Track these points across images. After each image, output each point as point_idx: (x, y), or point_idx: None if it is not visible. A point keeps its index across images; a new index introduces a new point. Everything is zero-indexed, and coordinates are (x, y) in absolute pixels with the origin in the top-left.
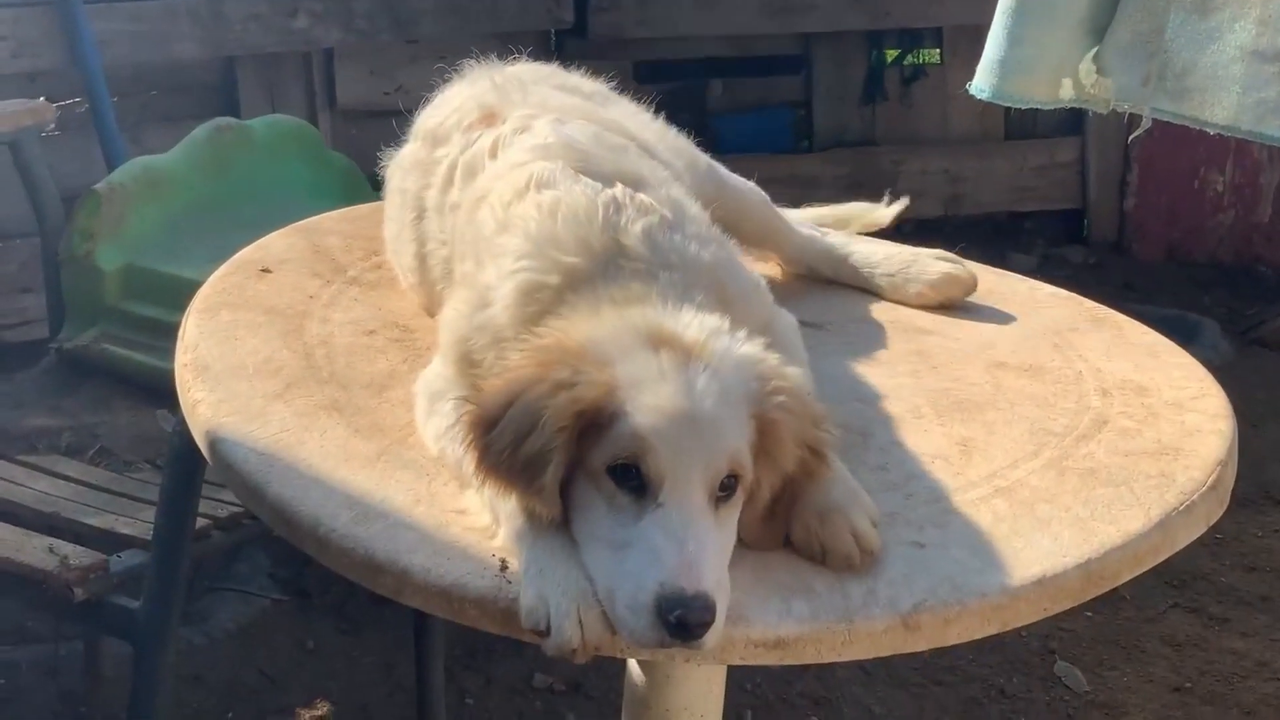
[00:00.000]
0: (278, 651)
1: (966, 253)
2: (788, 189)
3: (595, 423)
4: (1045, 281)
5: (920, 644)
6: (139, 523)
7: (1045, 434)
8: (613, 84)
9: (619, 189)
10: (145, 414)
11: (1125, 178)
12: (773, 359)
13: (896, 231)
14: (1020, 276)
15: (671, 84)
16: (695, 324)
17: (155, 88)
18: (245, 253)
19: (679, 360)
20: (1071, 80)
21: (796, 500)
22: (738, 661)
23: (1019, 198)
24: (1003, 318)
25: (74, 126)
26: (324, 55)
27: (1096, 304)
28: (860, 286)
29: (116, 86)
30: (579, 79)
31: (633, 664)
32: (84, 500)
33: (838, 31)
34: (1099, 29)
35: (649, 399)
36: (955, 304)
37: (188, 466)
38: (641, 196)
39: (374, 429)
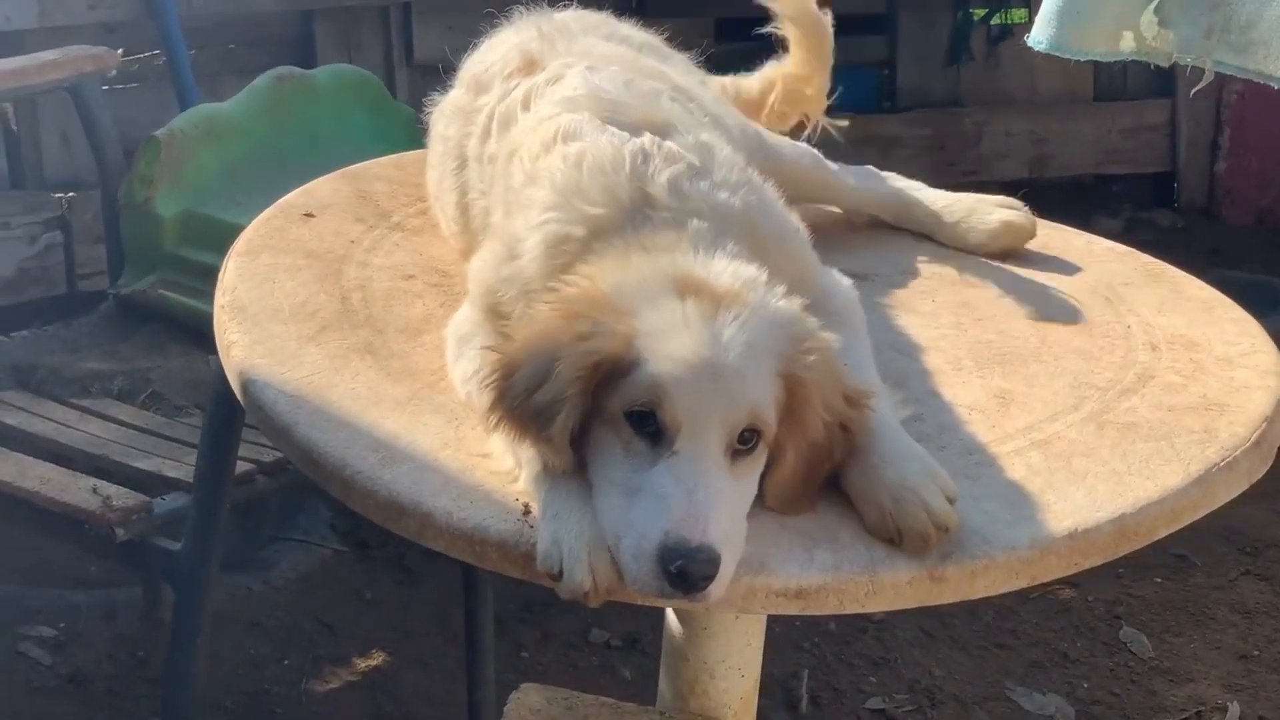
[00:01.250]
0: (336, 601)
1: (1052, 217)
2: (869, 150)
3: (615, 371)
4: (1132, 245)
5: (946, 596)
6: (185, 466)
7: (1088, 387)
8: (693, 45)
9: (646, 138)
10: (198, 359)
11: (1216, 141)
12: (810, 321)
13: (982, 191)
14: (1078, 231)
15: (753, 42)
16: (729, 272)
17: (233, 41)
18: (290, 197)
19: (706, 309)
20: (1133, 32)
21: (838, 469)
22: (759, 611)
23: (1106, 160)
24: (1058, 271)
25: (151, 78)
26: (401, 10)
27: (1154, 259)
28: (923, 233)
29: (194, 39)
30: (632, 29)
31: (671, 615)
32: (132, 443)
33: None
34: None
35: (670, 347)
36: (1016, 251)
37: (228, 409)
38: (669, 144)
39: (406, 372)
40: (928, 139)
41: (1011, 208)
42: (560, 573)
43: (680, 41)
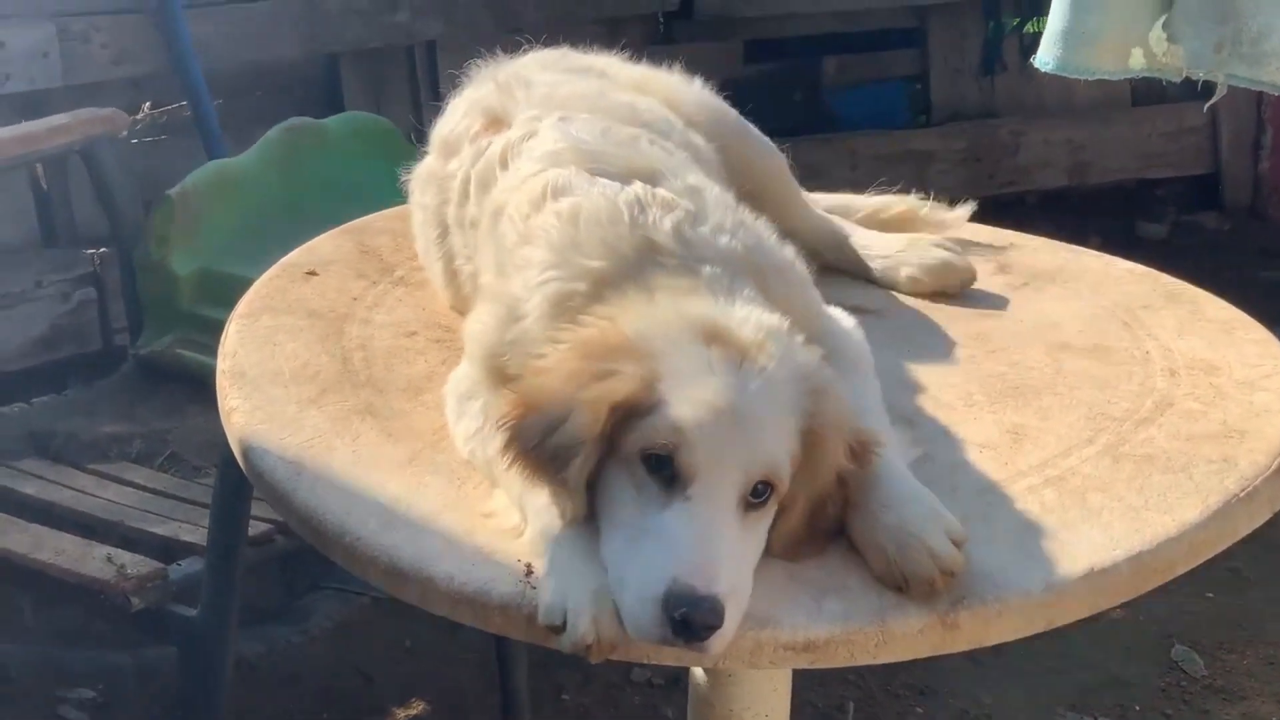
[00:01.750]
0: (375, 650)
1: (1093, 224)
2: (904, 165)
3: (634, 412)
4: (1177, 249)
5: (960, 644)
6: (202, 529)
7: (1103, 418)
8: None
9: (638, 186)
10: (216, 419)
11: (1259, 140)
12: (829, 373)
13: (1020, 202)
14: (1095, 253)
15: (783, 62)
16: (752, 321)
17: (259, 89)
18: (292, 256)
19: (732, 357)
20: (1142, 49)
21: (842, 516)
22: (767, 666)
23: (1148, 165)
24: (1073, 296)
25: (178, 130)
26: (426, 48)
27: (1175, 279)
28: (857, 272)
29: (220, 89)
30: (590, 58)
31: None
32: (149, 508)
33: (953, 2)
34: None
35: (694, 391)
36: (951, 293)
37: (238, 473)
38: (661, 192)
39: (407, 432)
40: (964, 152)
41: (948, 248)
42: (563, 625)
43: (710, 66)
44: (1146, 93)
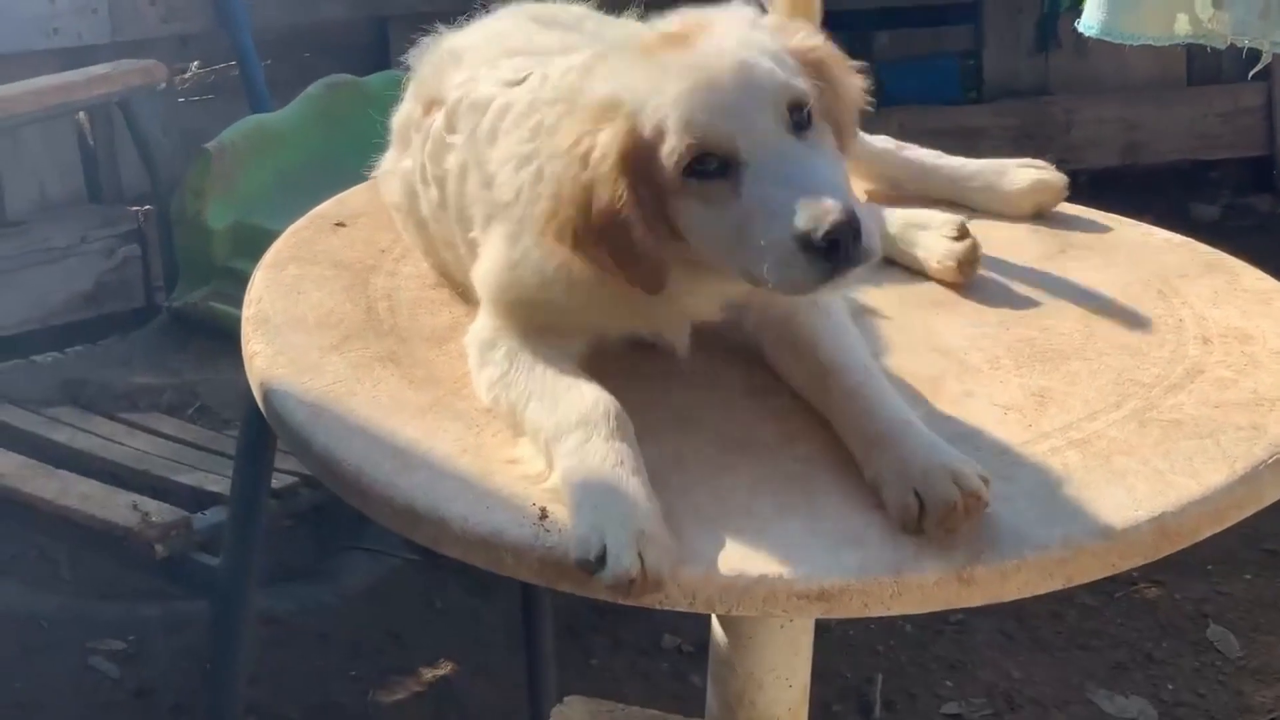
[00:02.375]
0: (405, 610)
1: (1146, 205)
2: (955, 141)
3: (647, 155)
4: (1230, 231)
5: (976, 598)
6: (228, 480)
7: (1132, 384)
8: None
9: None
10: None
11: None
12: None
13: (1071, 180)
14: (1134, 222)
15: (835, 35)
16: (677, 16)
17: (308, 49)
18: (322, 207)
19: (680, 45)
20: (1187, 15)
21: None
22: (780, 615)
23: (1202, 146)
24: (1109, 265)
25: (226, 90)
26: (478, 12)
27: (1213, 250)
28: (951, 199)
29: (270, 49)
30: (556, 8)
31: (716, 625)
32: (177, 457)
33: None
34: None
35: (672, 89)
36: (1046, 210)
37: (262, 422)
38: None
39: (428, 380)
40: (1016, 129)
41: (1038, 167)
42: (602, 558)
43: None
44: (1202, 72)
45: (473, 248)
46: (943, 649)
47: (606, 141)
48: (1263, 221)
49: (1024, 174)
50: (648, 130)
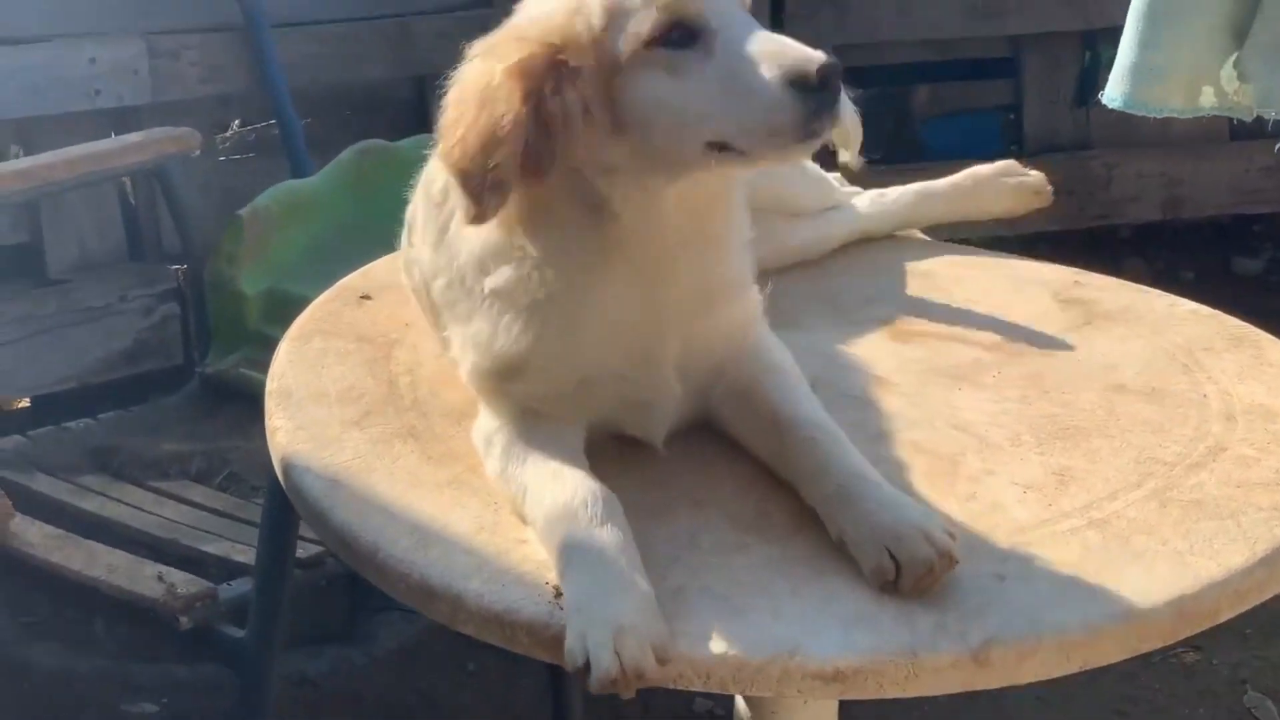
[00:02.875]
0: (438, 673)
1: (1188, 259)
2: None
3: (598, 42)
4: (1274, 286)
5: (993, 680)
6: (254, 549)
7: (1153, 463)
8: None
9: None
10: None
11: None
12: None
13: (1112, 235)
14: (1160, 293)
15: (874, 90)
16: None
17: (348, 108)
18: (348, 279)
19: None
20: (1213, 87)
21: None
22: (794, 695)
23: (1245, 200)
24: (1134, 337)
25: (267, 149)
26: None
27: (1241, 322)
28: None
29: (310, 108)
30: None
31: (739, 700)
32: (205, 526)
33: (1048, 32)
34: (1239, 32)
35: None
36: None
37: (284, 495)
38: None
39: (448, 456)
40: (1056, 184)
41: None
42: (586, 665)
43: None
44: (1244, 126)
45: (446, 346)
46: (979, 713)
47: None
48: None
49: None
50: (598, 15)
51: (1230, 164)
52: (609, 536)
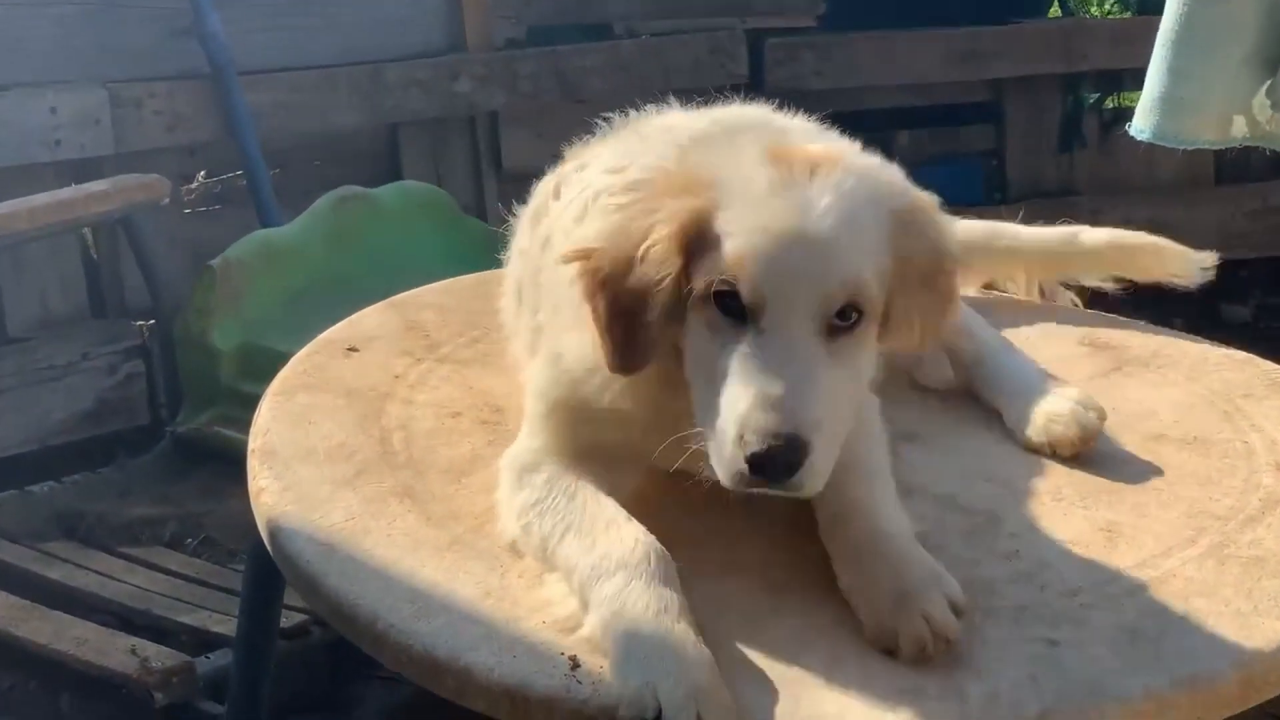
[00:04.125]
0: None
1: (1175, 305)
2: None
3: (702, 248)
4: (1262, 333)
5: None
6: (233, 619)
7: (1206, 517)
8: None
9: None
10: None
11: None
12: (914, 190)
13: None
14: (1192, 338)
15: (856, 135)
16: (822, 141)
17: (318, 157)
18: (333, 330)
19: (799, 174)
20: (1244, 117)
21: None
22: None
23: (1231, 245)
24: (1167, 383)
25: (234, 200)
26: (488, 119)
27: (1277, 366)
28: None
29: (279, 158)
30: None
31: None
32: (179, 595)
33: (1030, 76)
34: (1271, 61)
35: (753, 217)
36: (1068, 454)
37: (269, 559)
38: None
39: (448, 516)
40: None
41: (1076, 401)
42: (657, 716)
43: None
44: (1230, 171)
45: (536, 335)
46: None
47: (679, 213)
48: None
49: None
50: (714, 229)
51: (1217, 209)
52: (673, 595)
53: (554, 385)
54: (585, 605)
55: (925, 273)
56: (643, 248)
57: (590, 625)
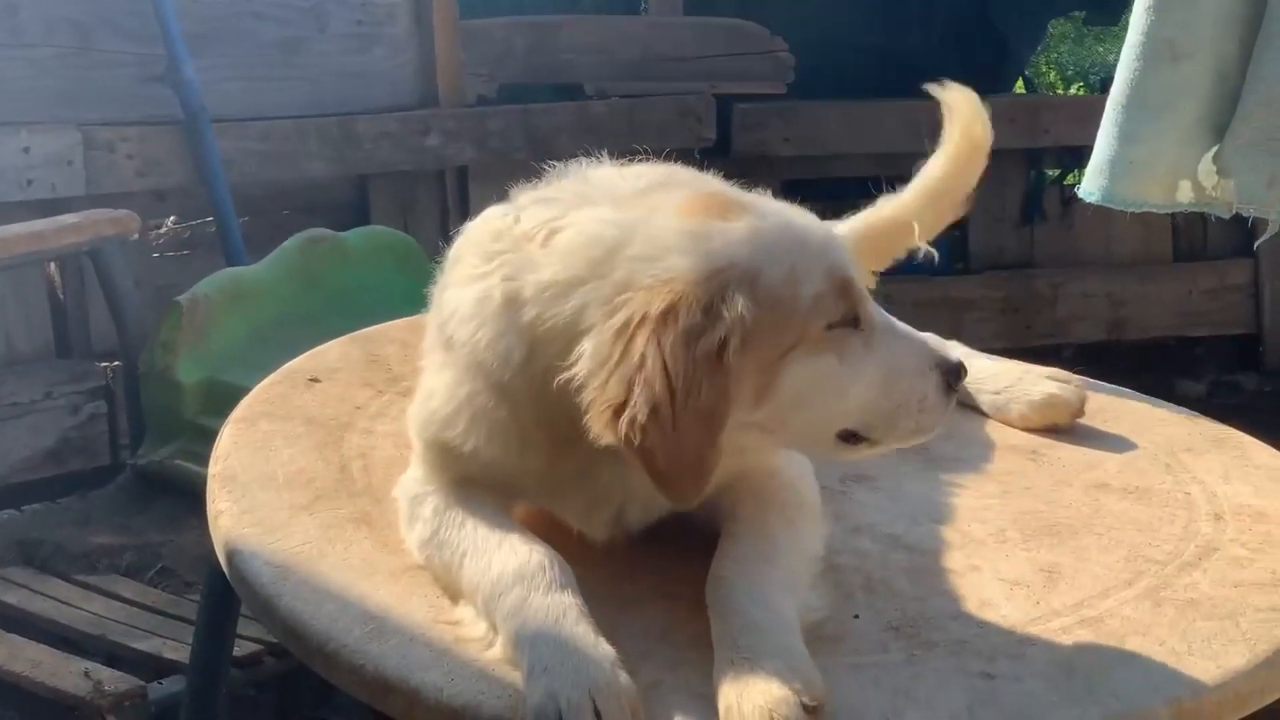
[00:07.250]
0: None
1: (1131, 380)
2: (940, 312)
3: (774, 317)
4: (1216, 409)
5: None
6: (188, 647)
7: (1144, 561)
8: None
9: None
10: None
11: None
12: None
13: (1056, 355)
14: (1139, 395)
15: (820, 203)
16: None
17: (287, 206)
18: (297, 361)
19: (737, 211)
20: (1190, 181)
21: None
22: None
23: (1188, 322)
24: (1113, 436)
25: (203, 245)
26: (457, 173)
27: (1219, 424)
28: (963, 403)
29: (249, 205)
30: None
31: None
32: (135, 623)
33: (994, 150)
34: (1218, 127)
35: (797, 245)
36: (1060, 428)
37: (225, 587)
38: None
39: (402, 543)
40: (1002, 301)
41: (1059, 380)
42: None
43: None
44: (1188, 248)
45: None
46: None
47: (740, 306)
48: (1249, 400)
49: (1040, 387)
50: (775, 284)
51: (1174, 285)
52: (570, 600)
53: (425, 425)
54: (492, 624)
55: None
56: (708, 358)
57: (500, 643)
